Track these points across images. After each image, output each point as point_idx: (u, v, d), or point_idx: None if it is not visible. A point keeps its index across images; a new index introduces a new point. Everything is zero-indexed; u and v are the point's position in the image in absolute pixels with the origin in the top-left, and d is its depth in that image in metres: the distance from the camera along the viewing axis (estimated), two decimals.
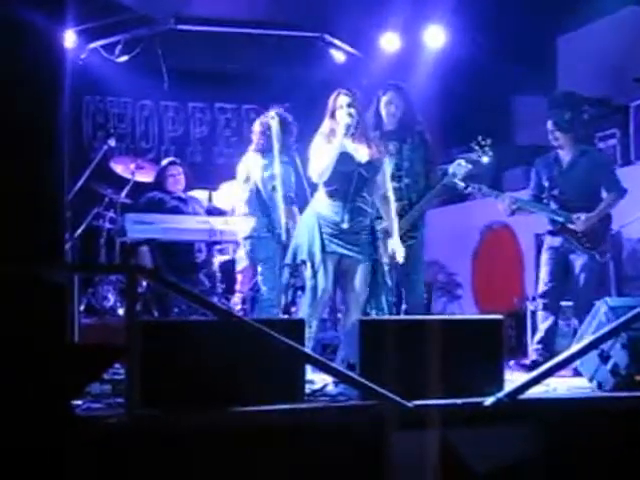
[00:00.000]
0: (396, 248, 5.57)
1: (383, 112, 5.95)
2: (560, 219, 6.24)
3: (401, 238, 5.68)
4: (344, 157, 5.37)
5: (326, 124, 5.50)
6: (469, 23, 7.88)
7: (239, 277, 7.90)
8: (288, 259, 5.49)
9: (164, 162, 7.79)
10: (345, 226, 5.35)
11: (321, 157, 5.39)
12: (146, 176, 8.17)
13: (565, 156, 6.36)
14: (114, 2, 7.59)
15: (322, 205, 5.41)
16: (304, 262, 5.36)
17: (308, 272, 5.34)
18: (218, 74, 9.58)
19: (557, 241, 6.30)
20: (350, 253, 5.37)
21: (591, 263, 6.15)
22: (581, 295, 6.16)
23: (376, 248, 5.46)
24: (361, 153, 5.42)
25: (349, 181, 5.35)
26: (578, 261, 6.19)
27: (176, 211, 7.23)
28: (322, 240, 5.32)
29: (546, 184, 6.39)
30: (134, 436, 3.63)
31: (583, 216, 6.13)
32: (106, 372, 4.42)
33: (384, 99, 5.93)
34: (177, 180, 7.58)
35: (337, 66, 8.59)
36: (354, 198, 5.37)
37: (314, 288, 5.32)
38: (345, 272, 5.43)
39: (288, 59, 8.99)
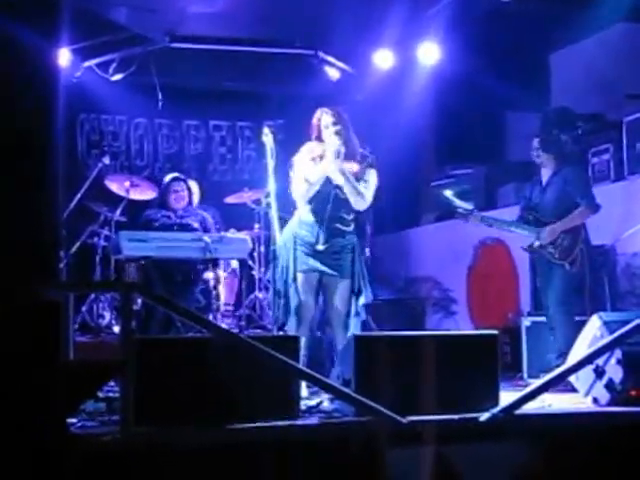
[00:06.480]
0: None
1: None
2: (525, 233, 6.41)
3: None
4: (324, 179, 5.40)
5: (313, 146, 5.48)
6: (463, 40, 7.91)
7: (223, 291, 7.81)
8: (276, 282, 5.48)
9: (167, 178, 7.71)
10: (320, 247, 5.37)
11: (307, 179, 5.40)
12: (141, 194, 8.18)
13: (545, 175, 6.50)
14: (108, 21, 7.61)
15: (298, 225, 5.45)
16: (286, 283, 5.38)
17: (292, 292, 5.36)
18: (212, 92, 9.61)
19: (535, 255, 6.53)
20: (329, 271, 5.40)
21: (561, 272, 6.27)
22: (553, 299, 6.28)
23: (356, 266, 5.45)
24: (349, 172, 5.40)
25: (325, 203, 5.37)
26: (553, 269, 6.32)
27: (173, 229, 7.20)
28: (297, 259, 5.36)
29: (530, 203, 6.56)
30: (129, 454, 3.62)
31: (548, 228, 6.23)
32: (101, 390, 4.41)
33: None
34: (180, 196, 7.55)
35: (331, 83, 8.61)
36: (330, 219, 5.39)
37: (297, 307, 5.36)
38: (325, 289, 5.46)
39: (282, 76, 9.02)
